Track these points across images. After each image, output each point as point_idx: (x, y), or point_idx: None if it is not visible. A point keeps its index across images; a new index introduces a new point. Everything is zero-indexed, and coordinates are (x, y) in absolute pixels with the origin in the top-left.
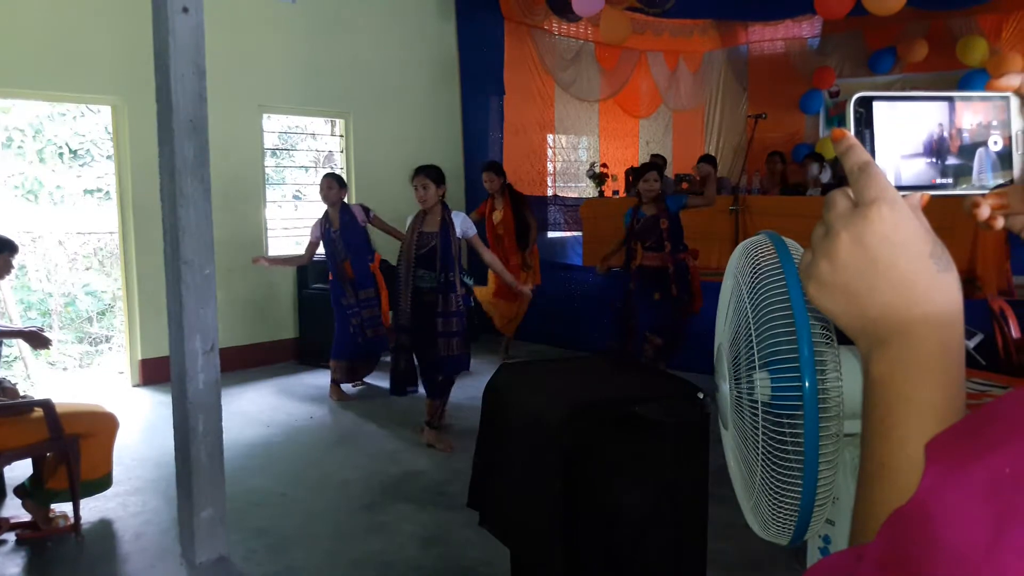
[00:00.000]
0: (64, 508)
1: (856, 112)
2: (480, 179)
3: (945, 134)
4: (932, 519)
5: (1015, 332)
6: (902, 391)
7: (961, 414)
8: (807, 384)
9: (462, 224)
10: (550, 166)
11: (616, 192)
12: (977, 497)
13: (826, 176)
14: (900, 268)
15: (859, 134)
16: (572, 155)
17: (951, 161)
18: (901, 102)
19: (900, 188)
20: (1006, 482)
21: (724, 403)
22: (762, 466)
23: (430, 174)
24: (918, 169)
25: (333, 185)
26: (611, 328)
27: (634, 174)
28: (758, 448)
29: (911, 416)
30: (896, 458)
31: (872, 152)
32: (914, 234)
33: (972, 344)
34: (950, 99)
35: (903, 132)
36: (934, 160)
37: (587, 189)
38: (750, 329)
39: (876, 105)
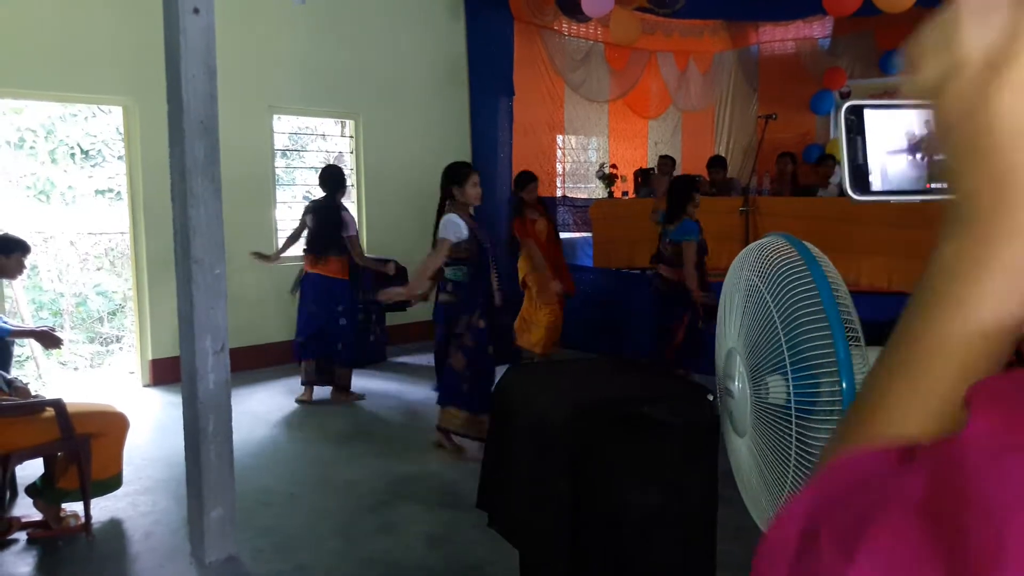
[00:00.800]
0: (75, 507)
1: (847, 120)
2: (484, 179)
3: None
4: (979, 477)
5: None
6: (958, 285)
7: (1010, 337)
8: (844, 385)
9: None
10: (559, 167)
11: (625, 193)
12: None
13: (836, 178)
14: (1012, 157)
15: (851, 141)
16: (582, 156)
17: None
18: (892, 109)
19: (892, 192)
20: None
21: (740, 408)
22: (794, 471)
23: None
24: (913, 174)
25: None
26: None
27: (643, 176)
28: (790, 453)
29: (956, 319)
30: (923, 356)
31: (865, 159)
32: None
33: None
34: None
35: (895, 138)
36: (929, 165)
37: (596, 190)
38: (777, 334)
39: (867, 113)
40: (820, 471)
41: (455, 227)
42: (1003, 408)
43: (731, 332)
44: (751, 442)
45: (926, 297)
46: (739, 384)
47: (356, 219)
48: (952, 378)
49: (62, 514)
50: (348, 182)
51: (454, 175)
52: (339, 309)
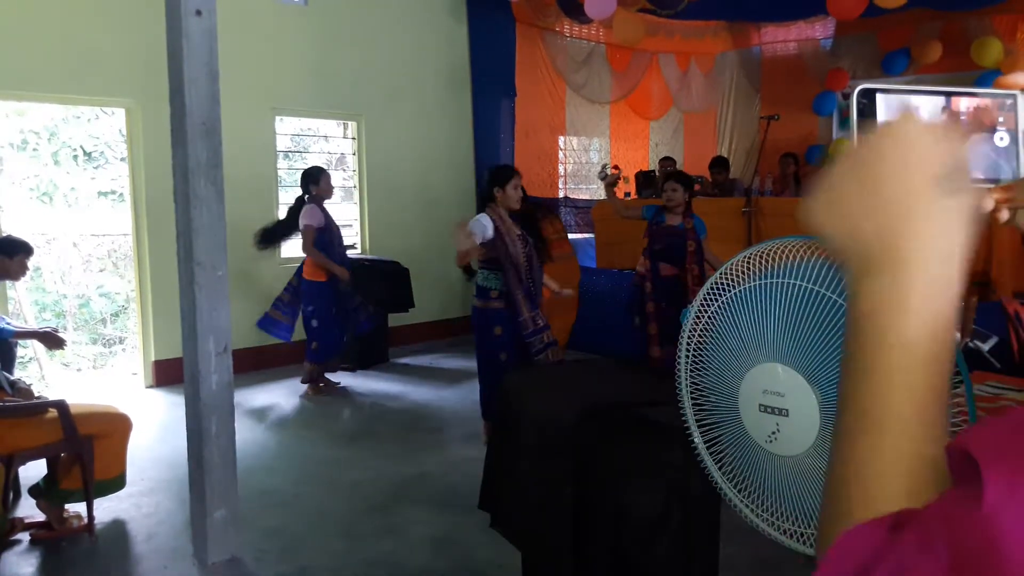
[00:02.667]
0: (78, 508)
1: (859, 103)
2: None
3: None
4: (1006, 536)
5: None
6: (888, 327)
7: (951, 357)
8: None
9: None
10: (561, 168)
11: (628, 194)
12: None
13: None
14: (897, 189)
15: (862, 125)
16: (583, 157)
17: None
18: (905, 95)
19: None
20: None
21: (796, 425)
22: None
23: None
24: None
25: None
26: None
27: (645, 177)
28: None
29: (894, 356)
30: (878, 405)
31: None
32: (922, 156)
33: (987, 347)
34: (955, 94)
35: None
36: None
37: (598, 191)
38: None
39: (880, 97)
40: (821, 562)
41: (480, 226)
42: (1005, 458)
43: (762, 345)
44: (817, 455)
45: (865, 339)
46: (799, 401)
47: (357, 219)
48: (908, 405)
49: (65, 515)
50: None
51: (498, 176)
52: (309, 310)
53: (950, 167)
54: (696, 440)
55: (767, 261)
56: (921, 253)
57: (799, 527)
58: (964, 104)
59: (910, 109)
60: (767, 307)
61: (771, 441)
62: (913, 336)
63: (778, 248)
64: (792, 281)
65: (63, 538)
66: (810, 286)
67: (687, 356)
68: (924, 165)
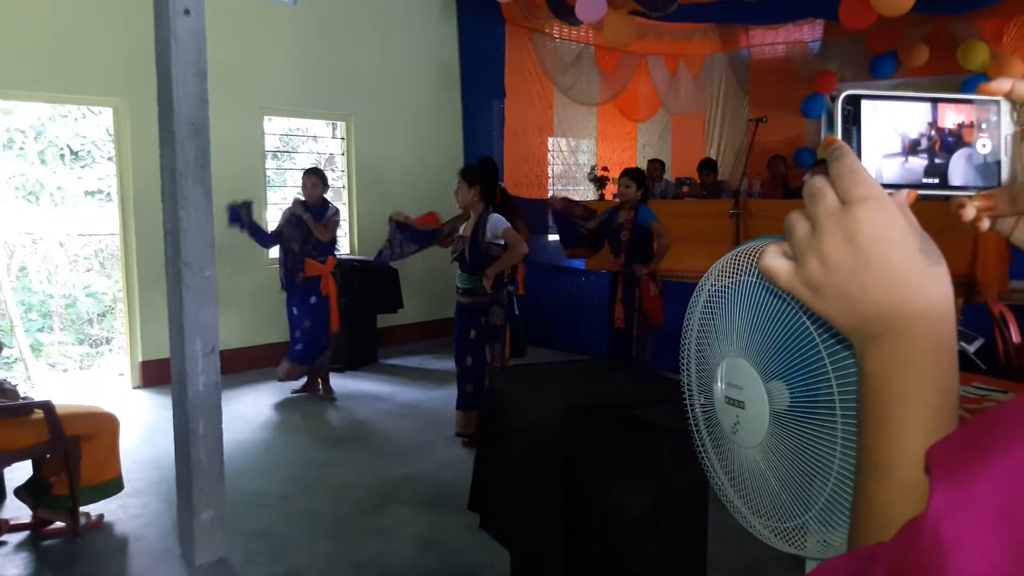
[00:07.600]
0: (87, 508)
1: (844, 109)
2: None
3: (933, 134)
4: (945, 545)
5: (1015, 337)
6: (896, 385)
7: (955, 404)
8: None
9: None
10: (549, 169)
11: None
12: (991, 519)
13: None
14: (892, 265)
15: (847, 131)
16: (571, 158)
17: (938, 161)
18: (890, 101)
19: (886, 186)
20: (1021, 504)
21: (752, 418)
22: (836, 479)
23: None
24: (905, 167)
25: (318, 184)
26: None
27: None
28: (833, 461)
29: (905, 409)
30: (892, 452)
31: (859, 149)
32: (903, 231)
33: (972, 348)
34: (940, 100)
35: (891, 131)
36: (921, 159)
37: (586, 192)
38: (811, 340)
39: (864, 103)
40: None
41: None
42: (953, 469)
43: (731, 340)
44: (768, 450)
45: (876, 395)
46: (753, 394)
47: (346, 219)
48: (922, 448)
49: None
50: (331, 182)
51: None
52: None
53: (923, 238)
54: (698, 435)
55: (748, 259)
56: (921, 318)
57: (783, 523)
58: (950, 113)
59: (897, 192)
60: (736, 304)
61: (735, 431)
62: (922, 390)
63: (760, 248)
64: (748, 278)
65: (81, 535)
66: (757, 281)
67: (692, 351)
68: (910, 240)
